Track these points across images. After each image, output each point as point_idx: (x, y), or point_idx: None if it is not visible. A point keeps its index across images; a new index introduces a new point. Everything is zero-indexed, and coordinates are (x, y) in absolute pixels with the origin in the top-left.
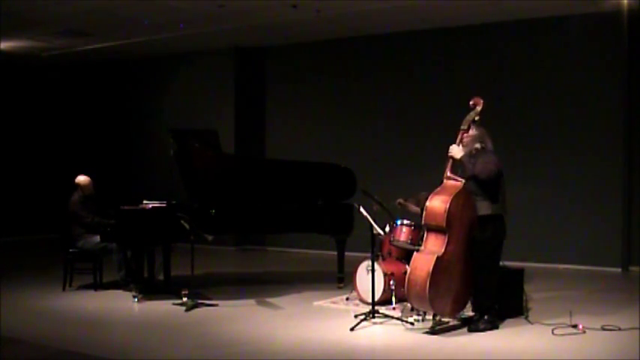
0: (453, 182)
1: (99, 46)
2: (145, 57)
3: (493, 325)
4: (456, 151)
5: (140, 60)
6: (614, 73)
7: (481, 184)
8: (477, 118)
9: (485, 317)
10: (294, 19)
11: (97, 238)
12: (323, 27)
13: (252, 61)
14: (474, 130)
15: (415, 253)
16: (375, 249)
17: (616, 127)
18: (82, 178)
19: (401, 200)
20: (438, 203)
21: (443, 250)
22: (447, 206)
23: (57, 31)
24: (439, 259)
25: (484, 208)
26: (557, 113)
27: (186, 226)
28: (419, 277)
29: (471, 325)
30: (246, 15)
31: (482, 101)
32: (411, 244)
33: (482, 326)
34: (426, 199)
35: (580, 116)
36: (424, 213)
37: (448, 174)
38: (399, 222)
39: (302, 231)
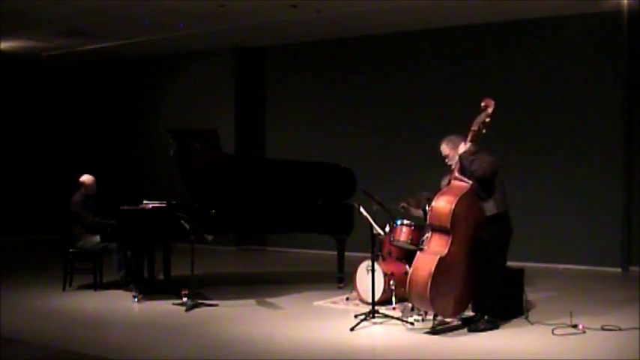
0: (460, 183)
1: (99, 46)
2: (145, 57)
3: (494, 325)
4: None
5: (140, 60)
6: (614, 73)
7: (478, 181)
8: (487, 120)
9: (486, 317)
10: (294, 19)
11: (97, 238)
12: (323, 27)
13: (252, 61)
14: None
15: (418, 252)
16: (375, 249)
17: (616, 128)
18: (86, 178)
19: (404, 204)
20: (443, 204)
21: (446, 250)
22: (453, 207)
23: (57, 31)
24: (442, 260)
25: (490, 209)
26: (557, 113)
27: (186, 226)
28: (420, 276)
29: (472, 325)
30: (246, 15)
31: (493, 102)
32: (411, 244)
33: (482, 326)
34: (428, 199)
35: (580, 116)
36: (430, 213)
37: (456, 174)
38: (399, 222)
39: (302, 231)
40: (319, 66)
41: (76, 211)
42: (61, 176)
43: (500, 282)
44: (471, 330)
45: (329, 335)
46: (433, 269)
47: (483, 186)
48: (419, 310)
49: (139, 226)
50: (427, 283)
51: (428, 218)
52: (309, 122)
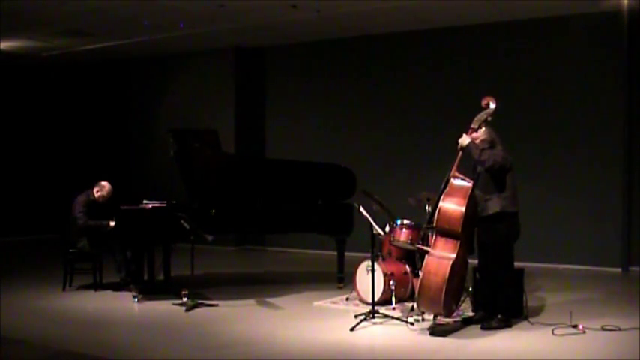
0: (462, 183)
1: (99, 46)
2: (145, 57)
3: (506, 324)
4: (463, 138)
5: (140, 60)
6: (614, 73)
7: (490, 172)
8: (489, 119)
9: (499, 316)
10: (294, 19)
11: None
12: (323, 27)
13: (252, 61)
14: (484, 131)
15: (427, 256)
16: (375, 249)
17: (616, 127)
18: (105, 183)
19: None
20: (453, 207)
21: (455, 254)
22: (464, 211)
23: (57, 31)
24: (454, 264)
25: (493, 206)
26: (557, 113)
27: (186, 226)
28: (434, 282)
29: (485, 324)
30: (246, 15)
31: (495, 101)
32: (410, 244)
33: (495, 324)
34: (427, 199)
35: (580, 116)
36: (437, 216)
37: (455, 173)
38: (399, 222)
39: (302, 231)
40: (319, 66)
41: (75, 211)
42: (61, 176)
43: (510, 281)
44: (484, 328)
45: (329, 335)
46: (447, 275)
47: (493, 178)
48: (419, 310)
49: (139, 226)
50: (442, 289)
51: (435, 221)
52: (309, 122)
